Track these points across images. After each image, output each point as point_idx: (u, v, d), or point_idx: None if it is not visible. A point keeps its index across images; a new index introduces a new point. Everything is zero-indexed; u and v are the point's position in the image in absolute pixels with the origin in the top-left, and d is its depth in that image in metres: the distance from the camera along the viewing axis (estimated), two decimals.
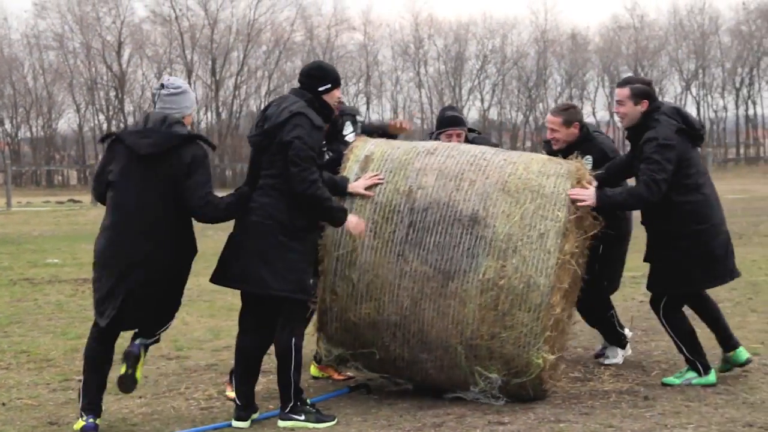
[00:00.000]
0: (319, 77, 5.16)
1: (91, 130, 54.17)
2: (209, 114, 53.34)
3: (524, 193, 5.19)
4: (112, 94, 52.38)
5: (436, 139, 6.20)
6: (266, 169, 4.94)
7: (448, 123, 6.31)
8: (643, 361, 6.28)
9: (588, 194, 5.34)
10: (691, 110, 52.95)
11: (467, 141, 6.26)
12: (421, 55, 56.15)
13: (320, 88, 5.11)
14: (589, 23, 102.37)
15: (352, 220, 5.07)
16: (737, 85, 55.72)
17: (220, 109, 50.62)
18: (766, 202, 23.17)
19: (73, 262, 13.24)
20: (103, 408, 5.00)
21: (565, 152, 5.96)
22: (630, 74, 55.65)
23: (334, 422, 4.93)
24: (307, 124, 4.91)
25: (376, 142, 5.73)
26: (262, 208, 4.88)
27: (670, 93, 56.47)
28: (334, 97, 5.23)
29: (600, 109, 57.37)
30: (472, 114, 54.56)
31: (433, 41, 56.84)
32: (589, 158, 5.85)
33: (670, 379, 5.64)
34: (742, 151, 57.10)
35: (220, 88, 51.52)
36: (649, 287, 5.71)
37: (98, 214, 20.06)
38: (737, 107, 56.43)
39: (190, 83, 51.54)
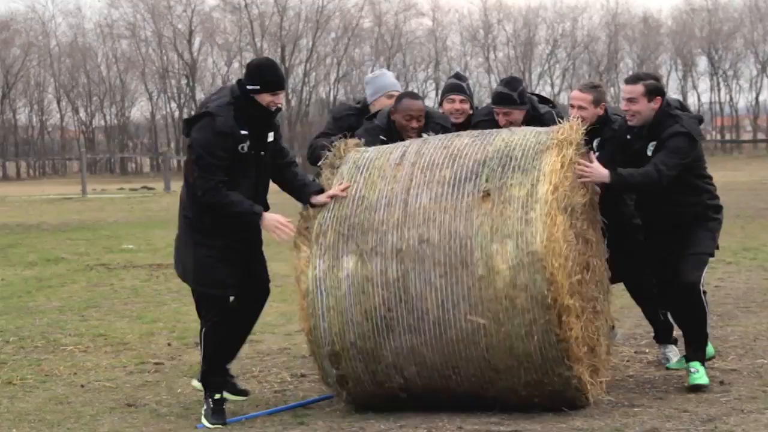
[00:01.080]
0: (251, 75, 5.01)
1: (163, 117, 55.26)
2: None
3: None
4: (184, 81, 53.28)
5: (488, 116, 5.89)
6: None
7: (496, 101, 5.83)
8: (719, 346, 6.12)
9: (596, 170, 5.08)
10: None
11: (532, 117, 5.75)
12: (490, 40, 55.68)
13: (248, 87, 4.96)
14: (662, 6, 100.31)
15: (268, 220, 4.91)
16: None
17: (290, 97, 51.00)
18: None
19: (147, 247, 13.48)
20: (179, 390, 5.05)
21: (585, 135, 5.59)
22: (703, 57, 54.45)
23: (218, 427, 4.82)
24: (209, 128, 4.83)
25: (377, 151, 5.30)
26: (182, 202, 5.06)
27: (745, 76, 55.22)
28: (265, 100, 4.97)
29: (673, 93, 56.07)
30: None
31: (502, 26, 56.36)
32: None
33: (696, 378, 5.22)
34: None
35: (290, 76, 51.87)
36: (688, 267, 5.26)
37: (171, 201, 20.50)
38: None
39: None
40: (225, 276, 4.92)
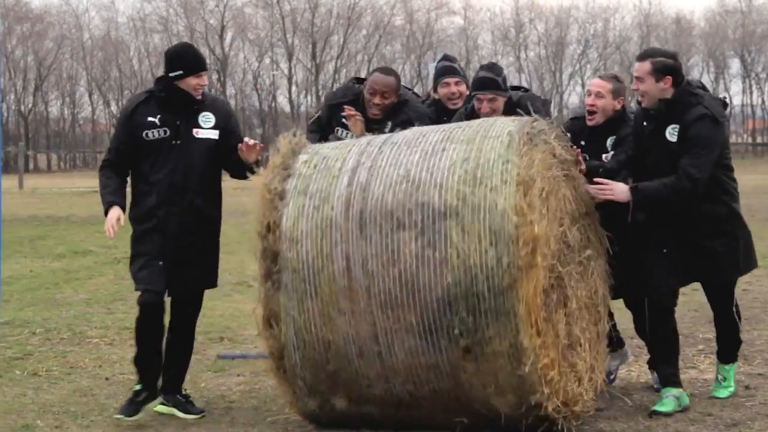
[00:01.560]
0: (171, 62, 4.95)
1: None
2: (309, 97, 53.96)
3: None
4: (215, 77, 53.56)
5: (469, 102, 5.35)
6: None
7: (479, 86, 5.23)
8: (745, 350, 5.98)
9: (614, 188, 4.70)
10: None
11: (511, 104, 5.19)
12: (522, 39, 55.46)
13: (171, 74, 4.90)
14: (694, 7, 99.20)
15: (108, 215, 4.87)
16: None
17: (320, 93, 51.10)
18: None
19: None
20: (202, 385, 5.05)
21: (599, 131, 5.14)
22: (736, 59, 53.50)
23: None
24: (120, 115, 5.21)
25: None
26: None
27: None
28: (190, 85, 4.88)
29: None
30: (572, 99, 53.67)
31: (534, 26, 56.11)
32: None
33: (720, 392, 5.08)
34: None
35: (320, 72, 52.03)
36: (720, 277, 4.92)
37: None
38: None
39: (290, 67, 52.52)
40: (136, 269, 4.92)
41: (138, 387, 4.82)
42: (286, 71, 52.70)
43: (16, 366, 6.14)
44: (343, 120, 5.27)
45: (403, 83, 5.60)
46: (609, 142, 5.12)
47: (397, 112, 5.28)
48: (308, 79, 53.25)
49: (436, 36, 53.86)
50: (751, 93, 55.36)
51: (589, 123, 5.14)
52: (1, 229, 4.42)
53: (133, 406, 4.76)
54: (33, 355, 6.48)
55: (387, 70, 5.63)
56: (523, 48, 56.09)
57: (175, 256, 4.86)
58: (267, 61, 52.72)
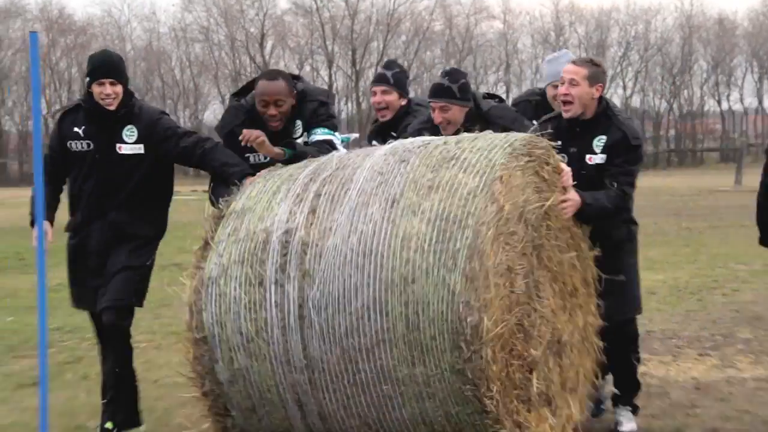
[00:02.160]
0: (87, 68, 4.71)
1: None
2: (350, 104, 54.19)
3: None
4: None
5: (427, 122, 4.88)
6: None
7: (431, 93, 4.87)
8: None
9: (573, 197, 4.31)
10: None
11: (479, 114, 4.78)
12: (562, 42, 55.11)
13: (86, 81, 4.70)
14: (737, 7, 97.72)
15: (34, 232, 4.58)
16: None
17: (361, 99, 51.28)
18: None
19: None
20: None
21: (583, 130, 4.58)
22: None
23: None
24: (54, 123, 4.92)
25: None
26: None
27: None
28: (95, 92, 4.61)
29: (748, 96, 54.80)
30: (614, 102, 53.07)
31: (574, 28, 55.84)
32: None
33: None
34: None
35: (361, 78, 52.17)
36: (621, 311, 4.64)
37: None
38: None
39: (330, 74, 52.70)
40: (69, 285, 4.86)
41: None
42: (326, 78, 52.95)
43: (68, 370, 6.36)
44: (247, 145, 4.50)
45: None
46: (596, 142, 4.60)
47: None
48: (348, 86, 53.46)
49: (475, 41, 53.79)
50: None
51: (565, 115, 4.59)
52: (43, 239, 4.46)
53: None
54: (83, 359, 6.69)
55: (271, 75, 4.83)
56: None
57: (96, 272, 4.72)
58: (307, 68, 52.96)
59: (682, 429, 4.60)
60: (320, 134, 4.63)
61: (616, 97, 53.80)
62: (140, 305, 4.84)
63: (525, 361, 3.91)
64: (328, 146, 4.58)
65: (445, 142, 4.10)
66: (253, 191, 4.26)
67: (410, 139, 4.36)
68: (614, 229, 4.63)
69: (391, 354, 3.69)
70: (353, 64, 52.42)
